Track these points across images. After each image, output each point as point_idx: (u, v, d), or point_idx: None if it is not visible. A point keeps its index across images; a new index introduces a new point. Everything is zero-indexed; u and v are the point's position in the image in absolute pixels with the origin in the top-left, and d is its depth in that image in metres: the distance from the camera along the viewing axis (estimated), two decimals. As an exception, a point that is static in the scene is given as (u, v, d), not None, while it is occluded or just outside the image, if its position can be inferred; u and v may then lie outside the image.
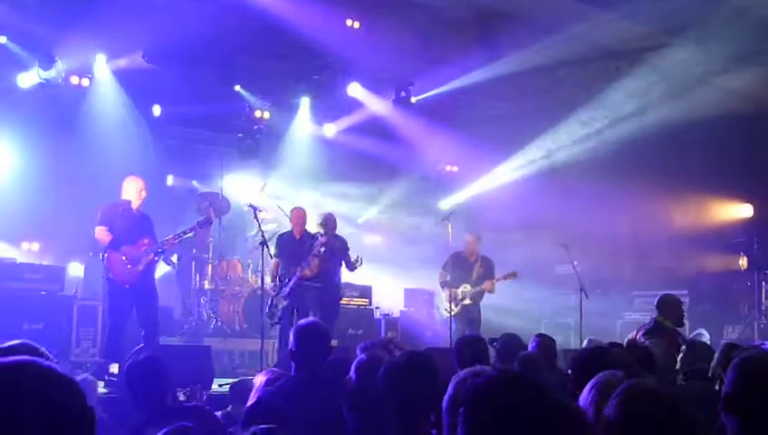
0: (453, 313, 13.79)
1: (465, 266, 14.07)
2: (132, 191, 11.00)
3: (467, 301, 13.92)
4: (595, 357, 4.99)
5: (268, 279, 12.35)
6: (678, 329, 9.33)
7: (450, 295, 13.84)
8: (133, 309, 10.83)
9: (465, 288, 13.93)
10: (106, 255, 10.80)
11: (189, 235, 11.50)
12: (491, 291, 13.86)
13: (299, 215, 12.52)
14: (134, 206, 10.99)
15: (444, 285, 14.14)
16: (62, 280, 12.31)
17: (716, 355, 5.63)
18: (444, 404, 3.00)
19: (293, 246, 12.18)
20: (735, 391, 3.25)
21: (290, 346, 5.54)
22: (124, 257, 10.74)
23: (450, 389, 3.08)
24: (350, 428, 4.69)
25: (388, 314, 15.19)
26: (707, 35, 13.94)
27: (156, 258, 11.01)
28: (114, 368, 9.97)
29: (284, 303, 11.79)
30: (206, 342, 12.74)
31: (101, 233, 10.82)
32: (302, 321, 5.87)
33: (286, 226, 13.41)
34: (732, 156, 16.07)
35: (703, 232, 16.85)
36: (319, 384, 5.32)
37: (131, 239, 10.76)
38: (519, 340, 7.71)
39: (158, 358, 6.01)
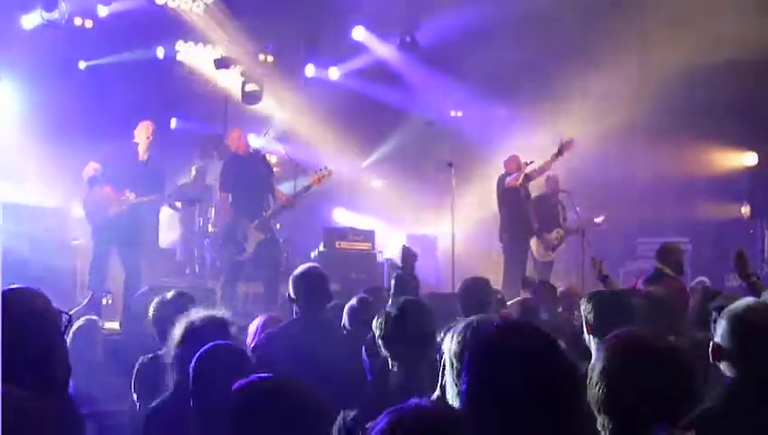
0: (550, 259, 13.72)
1: (551, 210, 13.93)
2: (141, 137, 11.01)
3: (562, 245, 13.89)
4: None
5: None
6: (679, 277, 9.36)
7: (545, 241, 13.71)
8: (112, 249, 10.94)
9: (559, 233, 13.78)
10: (87, 189, 10.94)
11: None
12: (577, 233, 13.65)
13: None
14: (142, 150, 10.97)
15: (534, 232, 13.71)
16: (65, 221, 12.36)
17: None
18: (449, 351, 3.03)
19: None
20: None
21: (289, 293, 5.56)
22: (97, 198, 10.81)
23: (456, 338, 3.10)
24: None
25: (391, 259, 15.20)
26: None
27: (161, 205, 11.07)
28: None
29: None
30: (209, 284, 12.79)
31: (87, 169, 10.89)
32: (300, 267, 5.85)
33: (289, 169, 13.41)
34: (736, 103, 15.96)
35: (706, 180, 16.84)
36: (319, 328, 5.35)
37: (124, 183, 10.76)
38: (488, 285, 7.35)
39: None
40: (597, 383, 2.55)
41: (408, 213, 17.28)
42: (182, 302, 5.74)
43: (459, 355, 2.95)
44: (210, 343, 3.99)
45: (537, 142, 16.44)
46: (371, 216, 17.19)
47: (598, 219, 14.32)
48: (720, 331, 3.55)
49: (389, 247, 15.37)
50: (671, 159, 16.64)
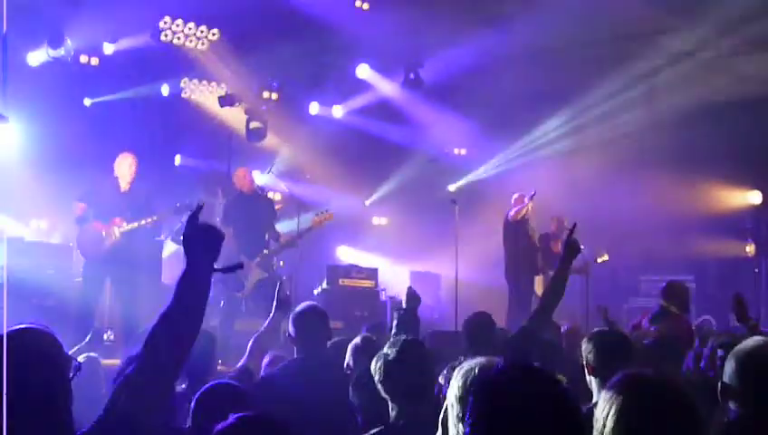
0: None
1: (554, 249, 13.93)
2: (121, 170, 11.09)
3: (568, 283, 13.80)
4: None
5: None
6: (685, 314, 9.34)
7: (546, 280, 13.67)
8: (107, 282, 10.95)
9: None
10: (78, 229, 11.14)
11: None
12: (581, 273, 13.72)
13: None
14: (124, 182, 11.04)
15: (539, 271, 13.84)
16: (69, 258, 12.35)
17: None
18: (451, 394, 3.01)
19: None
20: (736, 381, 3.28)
21: (289, 332, 5.56)
22: (90, 235, 10.91)
23: (458, 380, 3.09)
24: (356, 409, 4.70)
25: (394, 297, 15.17)
26: (717, 19, 13.91)
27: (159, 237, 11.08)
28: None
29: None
30: (212, 322, 12.75)
31: (74, 208, 11.14)
32: (300, 306, 5.87)
33: (293, 207, 13.46)
34: (741, 141, 16.01)
35: (711, 218, 16.84)
36: (320, 367, 5.34)
37: (110, 216, 10.82)
38: (491, 320, 7.35)
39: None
40: (609, 425, 2.52)
41: (412, 250, 17.28)
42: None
43: (461, 398, 2.94)
44: (212, 382, 4.00)
45: (542, 179, 16.51)
46: (375, 253, 17.21)
47: (600, 259, 14.31)
48: (729, 370, 3.53)
49: (393, 285, 15.37)
50: (675, 197, 16.67)
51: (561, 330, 10.00)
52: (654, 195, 16.72)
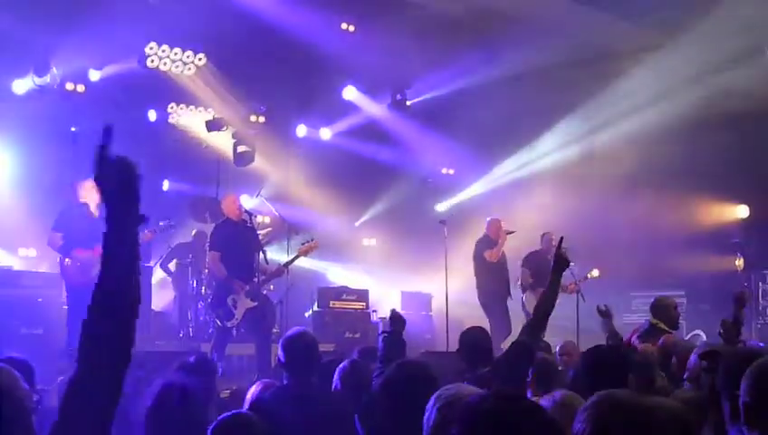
0: None
1: (545, 266, 13.93)
2: (90, 196, 11.08)
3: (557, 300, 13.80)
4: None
5: None
6: (673, 331, 9.32)
7: (538, 296, 13.62)
8: None
9: None
10: (59, 260, 11.13)
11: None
12: (572, 292, 13.79)
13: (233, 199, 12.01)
14: (93, 208, 11.04)
15: (528, 287, 13.86)
16: (59, 286, 12.29)
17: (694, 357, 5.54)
18: (429, 423, 2.98)
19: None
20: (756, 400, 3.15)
21: (278, 357, 5.56)
22: (78, 263, 10.89)
23: (433, 408, 3.05)
24: None
25: (385, 318, 15.11)
26: (700, 36, 14.00)
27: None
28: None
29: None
30: (203, 347, 12.71)
31: (53, 239, 11.15)
32: (290, 331, 5.86)
33: (282, 230, 13.46)
34: (727, 156, 16.07)
35: (699, 232, 16.88)
36: (309, 392, 5.34)
37: (88, 243, 10.78)
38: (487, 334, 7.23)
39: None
40: None
41: (402, 271, 17.26)
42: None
43: (440, 427, 2.92)
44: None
45: (531, 200, 16.56)
46: (365, 274, 17.18)
47: (592, 274, 14.31)
48: (747, 389, 3.28)
49: (384, 305, 15.32)
50: (664, 213, 16.73)
51: (556, 348, 10.00)
52: (643, 211, 16.77)
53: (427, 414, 3.05)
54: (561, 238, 6.51)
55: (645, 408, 2.44)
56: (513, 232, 13.97)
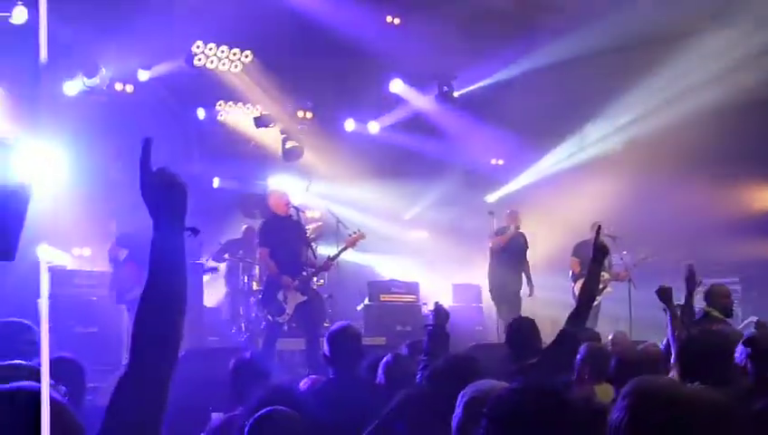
0: (595, 303, 13.52)
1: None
2: None
3: (609, 289, 13.78)
4: None
5: None
6: (728, 319, 9.22)
7: None
8: None
9: (604, 276, 13.13)
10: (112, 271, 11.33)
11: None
12: (624, 279, 13.66)
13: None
14: None
15: (579, 277, 13.67)
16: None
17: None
18: (456, 419, 2.98)
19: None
20: None
21: (324, 352, 5.60)
22: (123, 278, 11.14)
23: (460, 404, 3.05)
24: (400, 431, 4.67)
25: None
26: (746, 17, 13.82)
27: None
28: None
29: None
30: (256, 343, 12.80)
31: (111, 250, 11.51)
32: (334, 326, 5.89)
33: (332, 224, 13.51)
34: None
35: (752, 218, 16.65)
36: (354, 386, 5.36)
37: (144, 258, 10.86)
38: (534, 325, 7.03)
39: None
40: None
41: (453, 262, 17.23)
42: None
43: (466, 423, 2.92)
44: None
45: (580, 188, 16.45)
46: (416, 267, 17.18)
47: (642, 260, 14.12)
48: None
49: (434, 298, 15.30)
50: (715, 199, 16.51)
51: (609, 338, 9.93)
52: (696, 196, 16.54)
53: (456, 411, 3.05)
54: (599, 226, 6.48)
55: (684, 396, 2.41)
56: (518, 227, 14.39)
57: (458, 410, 3.05)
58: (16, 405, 2.42)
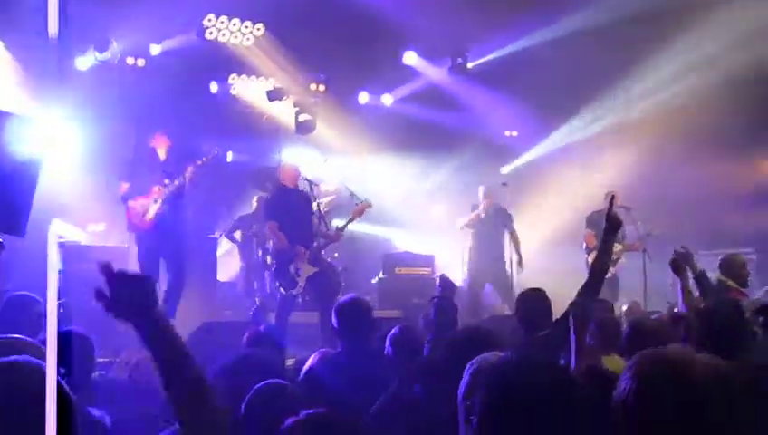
0: (611, 274, 13.32)
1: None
2: (160, 143, 11.26)
3: (623, 259, 13.70)
4: None
5: None
6: (743, 289, 9.17)
7: None
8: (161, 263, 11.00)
9: (617, 248, 12.86)
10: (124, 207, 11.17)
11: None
12: (638, 249, 13.59)
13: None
14: (161, 153, 11.19)
15: (593, 248, 13.13)
16: (125, 260, 12.44)
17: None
18: (462, 388, 2.97)
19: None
20: None
21: (332, 324, 5.58)
22: (136, 208, 11.00)
23: (466, 374, 3.05)
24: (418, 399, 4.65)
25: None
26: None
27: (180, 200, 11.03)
28: None
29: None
30: (270, 317, 12.80)
31: (121, 188, 11.19)
32: (343, 298, 5.87)
33: (346, 197, 13.49)
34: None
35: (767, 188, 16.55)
36: (362, 358, 5.34)
37: (146, 189, 10.90)
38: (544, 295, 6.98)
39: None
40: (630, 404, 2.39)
41: (469, 235, 17.19)
42: None
43: (470, 392, 2.91)
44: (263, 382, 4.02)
45: (594, 159, 16.36)
46: (431, 239, 17.13)
47: (655, 232, 14.01)
48: None
49: (451, 271, 15.28)
50: (730, 169, 16.41)
51: (623, 308, 9.89)
52: (711, 167, 16.43)
53: (462, 379, 3.04)
54: (613, 196, 6.41)
55: (688, 364, 2.39)
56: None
57: (464, 379, 3.04)
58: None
